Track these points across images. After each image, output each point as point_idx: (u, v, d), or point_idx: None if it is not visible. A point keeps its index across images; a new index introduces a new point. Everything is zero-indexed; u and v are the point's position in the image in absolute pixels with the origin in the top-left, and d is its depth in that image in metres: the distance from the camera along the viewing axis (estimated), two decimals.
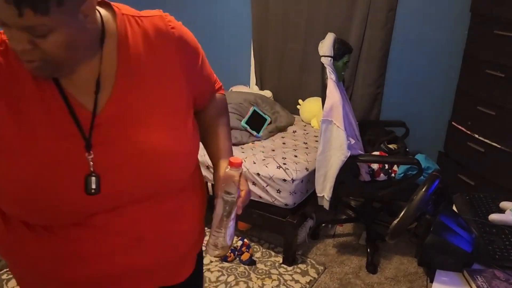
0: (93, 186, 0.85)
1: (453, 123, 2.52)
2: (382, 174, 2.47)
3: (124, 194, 0.90)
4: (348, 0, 2.90)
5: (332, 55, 2.31)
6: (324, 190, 2.34)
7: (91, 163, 0.85)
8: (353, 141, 2.29)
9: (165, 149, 0.91)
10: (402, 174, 2.42)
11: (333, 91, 2.24)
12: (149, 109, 0.91)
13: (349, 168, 2.29)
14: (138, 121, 0.90)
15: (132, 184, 0.90)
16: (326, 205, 2.36)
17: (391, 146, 2.63)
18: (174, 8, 3.76)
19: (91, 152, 0.86)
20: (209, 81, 1.12)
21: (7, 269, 2.36)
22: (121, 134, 0.89)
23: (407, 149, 2.65)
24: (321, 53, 2.32)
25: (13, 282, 2.27)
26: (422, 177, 2.26)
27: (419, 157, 2.44)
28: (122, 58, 0.89)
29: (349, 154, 2.20)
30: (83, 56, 0.84)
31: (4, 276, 2.32)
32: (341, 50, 2.35)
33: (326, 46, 2.31)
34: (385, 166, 2.48)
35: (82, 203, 0.86)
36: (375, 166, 2.47)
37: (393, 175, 2.47)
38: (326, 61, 2.29)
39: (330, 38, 2.34)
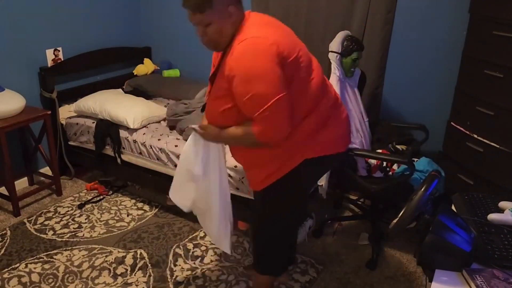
0: None
1: (452, 123, 2.53)
2: (378, 171, 2.48)
3: None
4: (347, 0, 2.91)
5: (339, 51, 2.36)
6: (321, 179, 2.39)
7: None
8: None
9: None
10: (399, 173, 2.43)
11: (333, 86, 2.26)
12: None
13: (346, 161, 2.34)
14: None
15: None
16: (323, 193, 2.44)
17: (399, 146, 2.62)
18: (175, 8, 3.76)
19: None
20: None
21: (7, 269, 2.37)
22: None
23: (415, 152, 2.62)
24: (329, 49, 2.41)
25: (14, 281, 2.28)
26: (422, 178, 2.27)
27: (422, 160, 2.45)
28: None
29: None
30: (225, 42, 1.62)
31: (6, 275, 2.33)
32: (349, 47, 2.40)
33: (335, 43, 2.40)
34: (382, 164, 2.49)
35: None
36: (372, 162, 2.49)
37: (390, 173, 2.48)
38: (332, 57, 2.37)
39: (341, 35, 2.43)
